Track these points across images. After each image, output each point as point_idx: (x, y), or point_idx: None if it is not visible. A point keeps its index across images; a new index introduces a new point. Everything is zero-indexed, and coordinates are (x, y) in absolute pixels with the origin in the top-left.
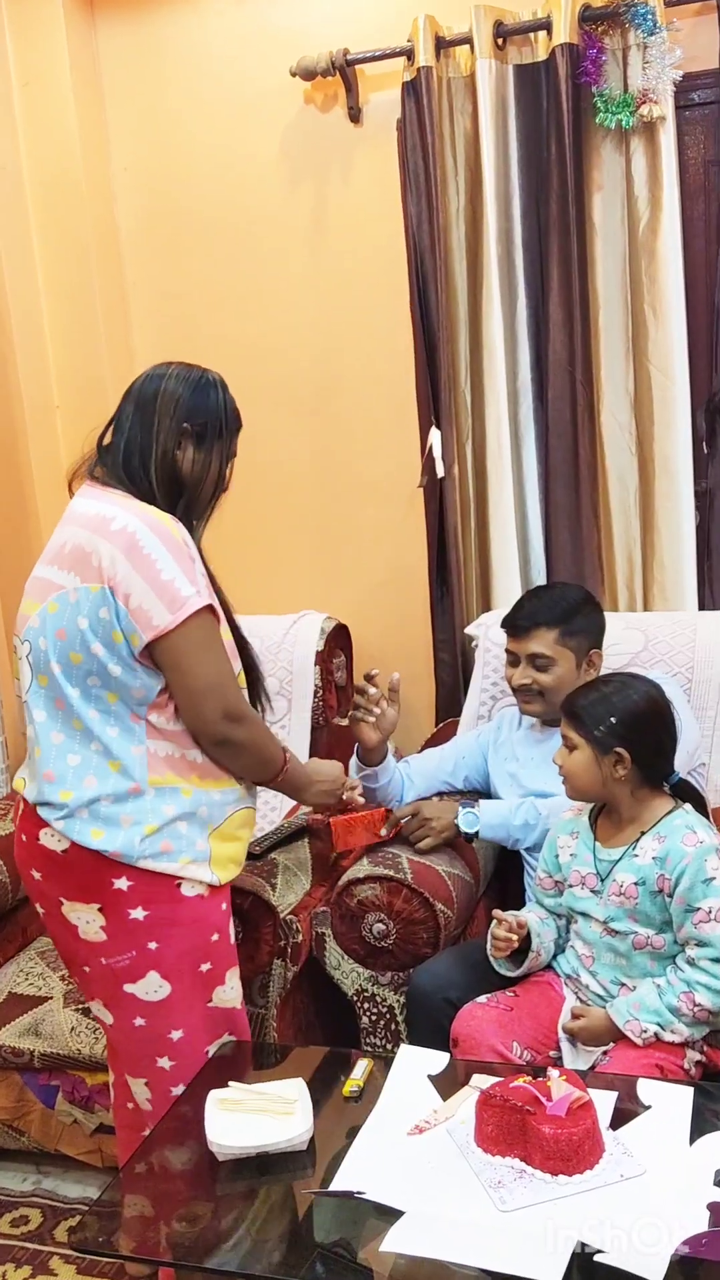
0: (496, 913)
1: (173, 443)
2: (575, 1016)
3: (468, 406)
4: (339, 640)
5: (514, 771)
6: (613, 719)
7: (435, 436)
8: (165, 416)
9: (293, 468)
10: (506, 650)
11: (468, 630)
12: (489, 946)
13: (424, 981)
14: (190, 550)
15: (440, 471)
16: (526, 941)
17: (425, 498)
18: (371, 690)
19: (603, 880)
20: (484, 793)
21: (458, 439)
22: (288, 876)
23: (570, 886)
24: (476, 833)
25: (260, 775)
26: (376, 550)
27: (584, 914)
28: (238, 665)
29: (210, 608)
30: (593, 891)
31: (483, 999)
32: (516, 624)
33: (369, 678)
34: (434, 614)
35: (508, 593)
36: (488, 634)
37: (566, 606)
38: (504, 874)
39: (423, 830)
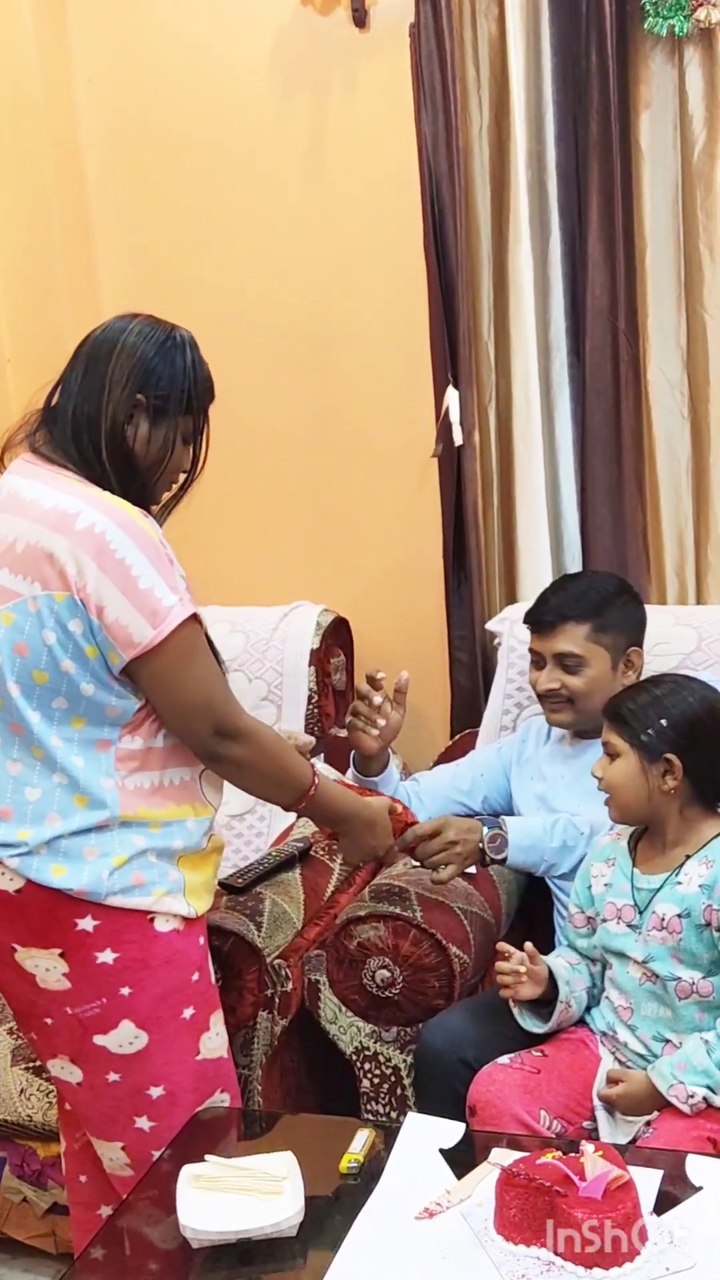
0: (501, 945)
1: (123, 415)
2: (612, 1082)
3: (491, 362)
4: (338, 637)
5: (541, 793)
6: (663, 722)
7: (452, 397)
8: (118, 383)
9: (285, 434)
10: (530, 650)
11: (489, 626)
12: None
13: (435, 1039)
14: (167, 549)
15: (458, 439)
16: (553, 991)
17: (440, 470)
18: (376, 698)
19: (641, 913)
20: (507, 814)
21: (479, 400)
22: (275, 914)
23: (604, 921)
24: (504, 858)
25: (278, 797)
26: (383, 531)
27: (620, 954)
28: None
29: (196, 616)
30: (630, 926)
31: (505, 1059)
32: (540, 619)
33: (373, 681)
34: (449, 607)
35: (536, 582)
36: (512, 630)
37: (598, 597)
38: (529, 911)
39: (445, 854)
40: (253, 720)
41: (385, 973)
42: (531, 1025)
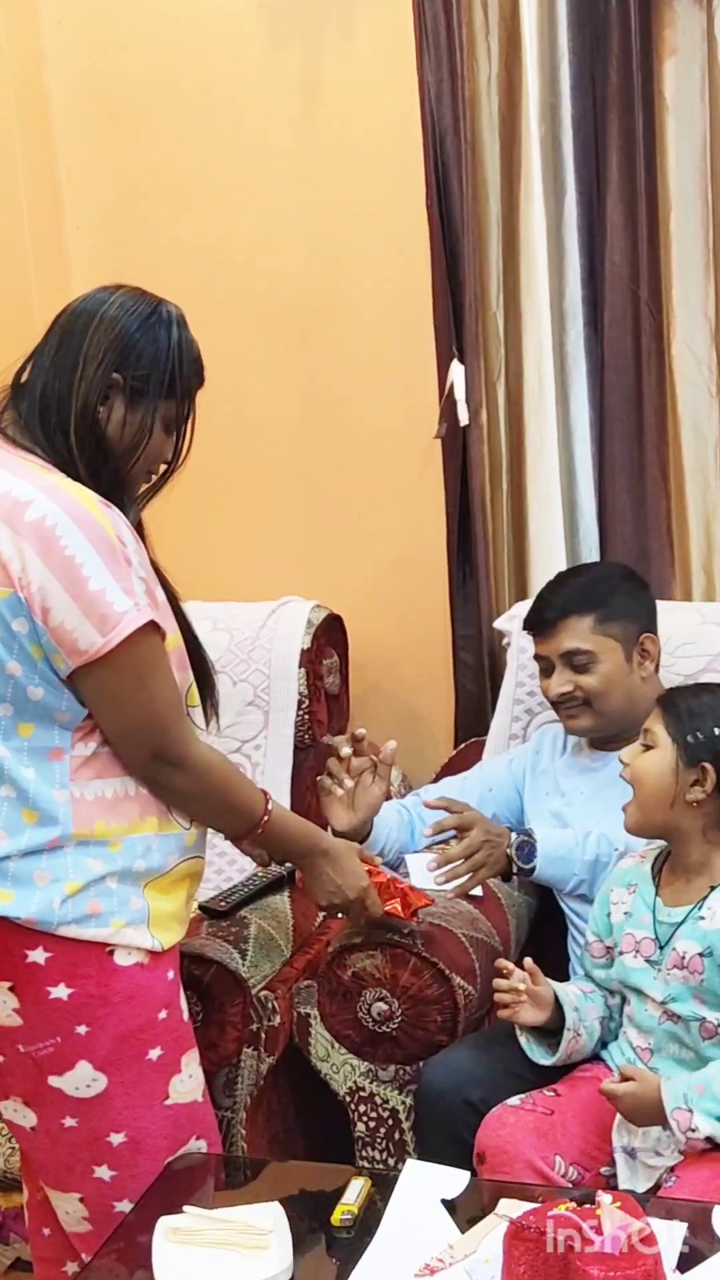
0: (500, 962)
1: (96, 395)
2: (625, 1078)
3: (500, 334)
4: (331, 636)
5: (558, 809)
6: (717, 730)
7: (457, 372)
8: (93, 359)
9: (272, 411)
10: (536, 658)
11: (497, 624)
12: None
13: (438, 1078)
14: (124, 548)
15: (464, 418)
16: (560, 1020)
17: (444, 452)
18: (345, 750)
19: (662, 947)
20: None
21: (487, 376)
22: (262, 941)
23: (622, 954)
24: (532, 868)
25: (223, 829)
26: (380, 520)
27: (638, 990)
28: (188, 676)
29: (154, 624)
30: (649, 961)
31: (515, 1100)
32: (541, 619)
33: (355, 738)
34: (454, 603)
35: (549, 576)
36: (523, 629)
37: (599, 586)
38: (540, 938)
39: (472, 860)
40: (202, 750)
41: (382, 1005)
42: (539, 1056)
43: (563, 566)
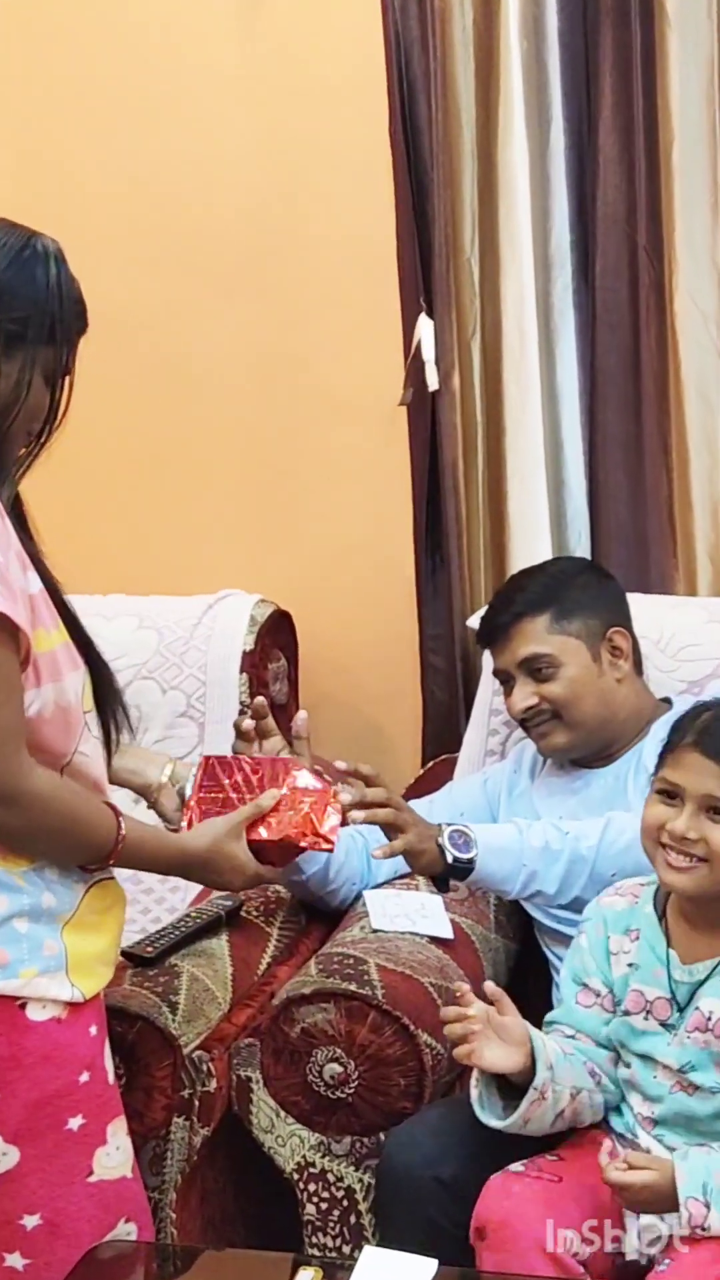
0: (456, 984)
1: None
2: (634, 1167)
3: (475, 283)
4: (277, 635)
5: None
6: None
7: (426, 329)
8: None
9: (209, 373)
10: (495, 674)
11: (472, 622)
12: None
13: (403, 1152)
14: None
15: (433, 382)
16: (531, 1074)
17: (410, 422)
18: (245, 723)
19: (681, 1009)
20: None
21: (459, 333)
22: (196, 991)
23: (628, 1014)
24: (470, 859)
25: (72, 861)
26: (336, 500)
27: (645, 1056)
28: (78, 678)
29: (5, 625)
30: (663, 1024)
31: (518, 1166)
32: (493, 628)
33: (256, 710)
34: (422, 598)
35: (531, 562)
36: (475, 642)
37: (551, 582)
38: (523, 987)
39: (388, 813)
40: (39, 783)
41: (336, 1067)
42: (488, 1114)
43: (547, 554)
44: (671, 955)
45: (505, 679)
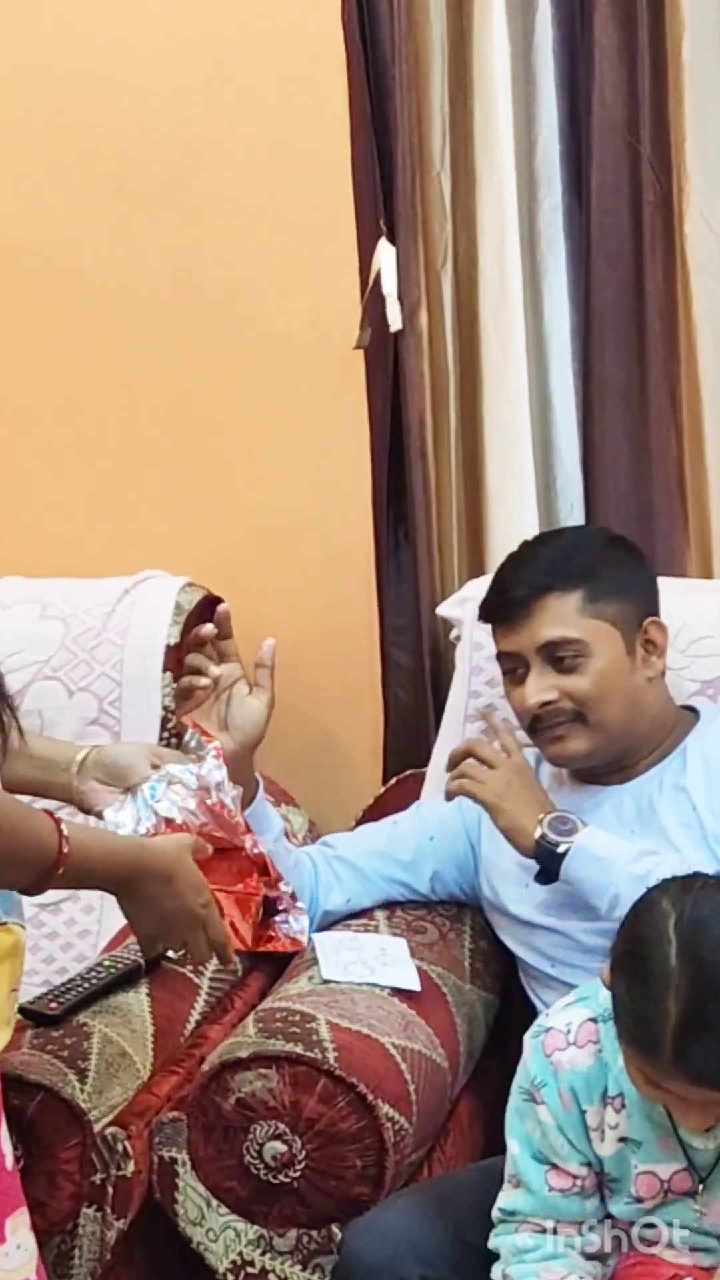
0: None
1: None
2: None
3: (445, 203)
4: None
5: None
6: None
7: (386, 256)
8: None
9: (124, 308)
10: (500, 657)
11: (442, 611)
12: None
13: (363, 1248)
14: None
15: (395, 321)
16: None
17: (368, 370)
18: (206, 628)
19: (704, 1178)
20: (468, 904)
21: (427, 262)
22: (109, 1057)
23: (639, 1201)
24: (565, 850)
25: (10, 884)
26: (278, 464)
27: (665, 1221)
28: None
29: None
30: (686, 1194)
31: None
32: (507, 602)
33: (219, 615)
34: (382, 582)
35: (515, 540)
36: (474, 618)
37: (583, 555)
38: (503, 1048)
39: (467, 779)
40: None
41: (279, 1145)
42: None
43: (534, 528)
44: (682, 1134)
45: (515, 666)
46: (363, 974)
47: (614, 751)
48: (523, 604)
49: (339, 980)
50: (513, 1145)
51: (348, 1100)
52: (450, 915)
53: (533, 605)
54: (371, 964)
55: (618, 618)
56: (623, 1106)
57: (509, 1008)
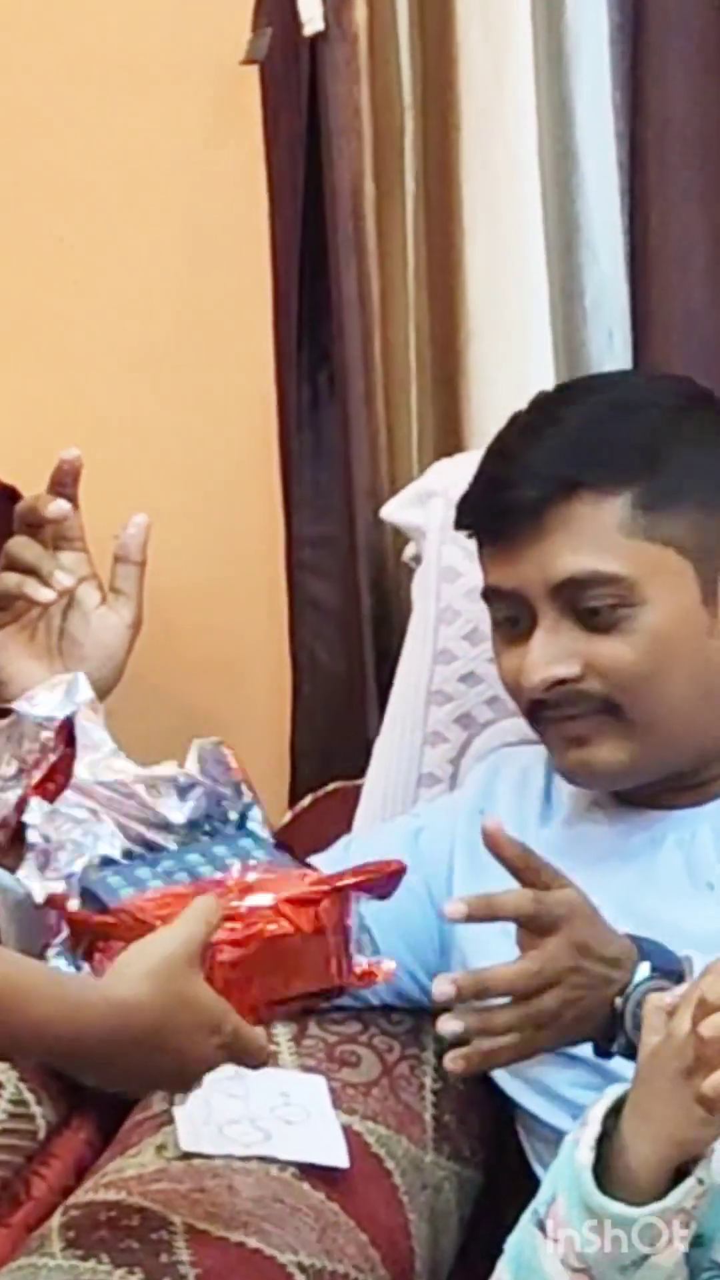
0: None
1: None
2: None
3: None
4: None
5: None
6: None
7: None
8: None
9: None
10: (487, 594)
11: (390, 512)
12: None
13: None
14: None
15: (312, 20)
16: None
17: (266, 101)
18: (51, 508)
19: None
20: (428, 1012)
21: None
22: None
23: None
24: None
25: None
26: (119, 262)
27: None
28: None
29: None
30: None
31: None
32: (503, 504)
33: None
34: (289, 459)
35: (515, 393)
36: (447, 526)
37: (637, 425)
38: (490, 1246)
39: (558, 995)
40: None
41: None
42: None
43: (549, 376)
44: None
45: (513, 613)
46: (249, 1140)
47: (669, 764)
48: (531, 511)
49: (208, 1153)
50: None
51: None
52: (399, 1034)
53: (546, 514)
54: (264, 1122)
55: (688, 539)
56: None
57: (497, 1186)
